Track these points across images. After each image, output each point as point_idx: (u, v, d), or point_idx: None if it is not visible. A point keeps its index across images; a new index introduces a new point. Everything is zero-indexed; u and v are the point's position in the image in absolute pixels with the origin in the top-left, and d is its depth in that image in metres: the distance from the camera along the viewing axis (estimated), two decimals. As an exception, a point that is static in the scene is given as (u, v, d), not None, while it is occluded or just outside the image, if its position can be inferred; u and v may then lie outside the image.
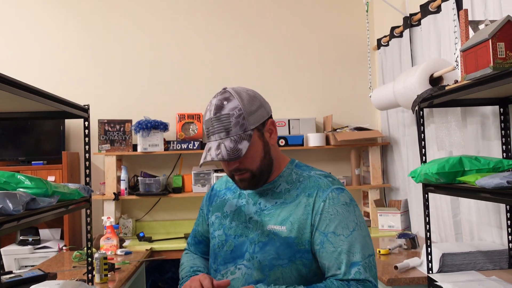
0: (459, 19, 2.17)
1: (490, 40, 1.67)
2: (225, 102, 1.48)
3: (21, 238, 3.74)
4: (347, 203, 1.52)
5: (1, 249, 3.69)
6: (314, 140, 4.16)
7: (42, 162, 3.96)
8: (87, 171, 2.40)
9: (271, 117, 1.58)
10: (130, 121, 4.10)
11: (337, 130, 4.23)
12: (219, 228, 1.64)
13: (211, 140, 1.49)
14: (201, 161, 1.49)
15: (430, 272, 2.47)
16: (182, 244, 3.68)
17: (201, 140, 4.17)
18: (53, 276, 2.63)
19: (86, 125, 2.37)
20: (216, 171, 4.11)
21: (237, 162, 1.51)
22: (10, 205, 1.50)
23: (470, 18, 2.36)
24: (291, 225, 1.50)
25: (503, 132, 2.49)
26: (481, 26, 2.00)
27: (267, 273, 1.50)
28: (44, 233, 3.94)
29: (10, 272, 2.85)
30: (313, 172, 1.60)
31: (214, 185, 1.81)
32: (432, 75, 2.84)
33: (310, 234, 1.49)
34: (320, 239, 1.47)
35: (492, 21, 1.94)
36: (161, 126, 4.03)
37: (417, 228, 3.66)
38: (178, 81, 4.42)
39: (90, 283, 2.41)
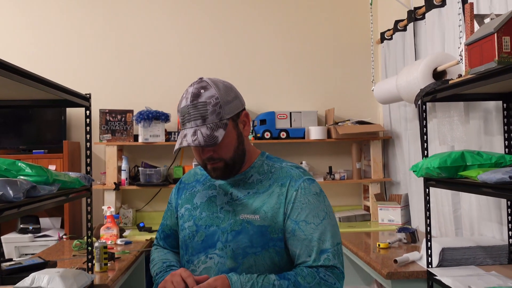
0: (464, 13, 2.16)
1: (495, 34, 1.66)
2: (202, 91, 1.50)
3: (21, 226, 3.75)
4: (317, 193, 1.57)
5: (2, 237, 3.69)
6: (315, 133, 4.15)
7: (43, 151, 3.97)
8: (88, 160, 2.39)
9: (244, 109, 1.62)
10: (131, 111, 4.10)
11: (339, 124, 4.22)
12: (189, 219, 1.65)
13: (187, 127, 1.50)
14: (176, 146, 1.50)
15: (430, 266, 2.47)
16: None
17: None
18: (53, 264, 2.63)
19: (88, 114, 2.36)
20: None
21: (211, 151, 1.53)
22: (10, 192, 1.50)
23: (475, 12, 2.34)
24: (265, 213, 1.54)
25: (505, 127, 2.48)
26: (487, 20, 1.99)
27: (240, 261, 1.53)
28: (44, 221, 3.95)
29: (10, 260, 2.85)
30: (284, 163, 1.65)
31: (182, 178, 1.82)
32: (435, 69, 2.83)
33: (283, 222, 1.54)
34: (291, 227, 1.52)
35: (497, 15, 1.93)
36: (163, 117, 4.03)
37: (417, 222, 3.66)
38: (180, 72, 4.40)
39: (89, 272, 2.41)
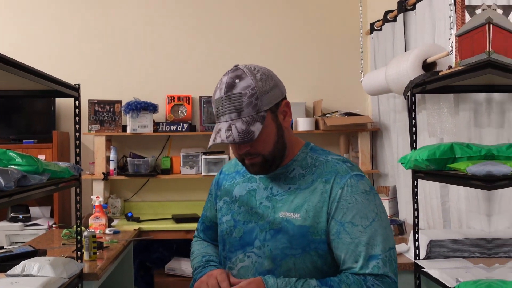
0: (456, 4, 2.16)
1: (487, 25, 1.66)
2: (237, 80, 1.38)
3: (12, 215, 3.77)
4: (366, 191, 1.42)
5: (-8, 225, 3.69)
6: (303, 124, 4.15)
7: (33, 141, 3.96)
8: (77, 150, 2.39)
9: (285, 98, 1.50)
10: (120, 101, 4.08)
11: (327, 115, 4.22)
12: (227, 213, 1.56)
13: (221, 121, 1.39)
14: (210, 143, 1.40)
15: (417, 258, 2.48)
16: (169, 225, 3.75)
17: (190, 122, 4.16)
18: (43, 253, 2.63)
19: (77, 105, 2.36)
20: (204, 153, 4.10)
21: (248, 146, 1.42)
22: (1, 181, 1.50)
23: (466, 3, 2.34)
24: (306, 213, 1.41)
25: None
26: (478, 11, 1.99)
27: (278, 263, 1.42)
28: (34, 210, 3.96)
29: (1, 248, 2.85)
30: (330, 156, 1.50)
31: (223, 168, 1.71)
32: (425, 60, 2.82)
33: (326, 223, 1.40)
34: (336, 228, 1.38)
35: (489, 6, 1.93)
36: (151, 108, 4.02)
37: (405, 214, 3.67)
38: (168, 63, 4.38)
39: (79, 260, 2.41)
